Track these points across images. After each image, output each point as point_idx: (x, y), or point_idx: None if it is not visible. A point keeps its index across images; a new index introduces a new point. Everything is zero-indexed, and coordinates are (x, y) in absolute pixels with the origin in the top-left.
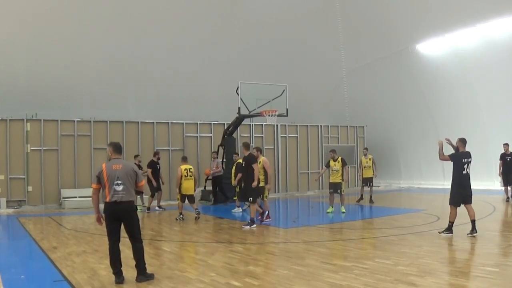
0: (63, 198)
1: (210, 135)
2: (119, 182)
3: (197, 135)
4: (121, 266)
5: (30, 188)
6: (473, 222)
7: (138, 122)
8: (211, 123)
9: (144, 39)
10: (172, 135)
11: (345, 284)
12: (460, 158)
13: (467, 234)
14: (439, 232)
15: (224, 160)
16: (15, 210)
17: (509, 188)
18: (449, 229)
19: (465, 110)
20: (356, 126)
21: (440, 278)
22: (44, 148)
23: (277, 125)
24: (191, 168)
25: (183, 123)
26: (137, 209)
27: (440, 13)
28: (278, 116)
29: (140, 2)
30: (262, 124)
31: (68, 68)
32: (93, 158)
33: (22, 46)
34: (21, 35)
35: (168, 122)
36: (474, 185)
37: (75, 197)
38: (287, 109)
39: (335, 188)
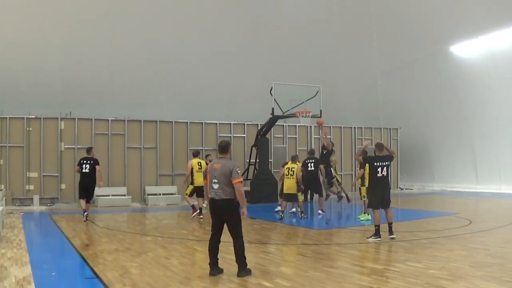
0: (96, 196)
1: (244, 135)
2: (215, 180)
3: (230, 135)
4: (216, 258)
5: (63, 186)
6: (390, 225)
7: (172, 121)
8: (244, 124)
9: (180, 41)
10: (206, 135)
11: (376, 287)
12: (372, 162)
13: (369, 237)
14: (367, 238)
15: (257, 160)
16: (48, 207)
17: None
18: (377, 234)
19: (499, 113)
20: (390, 128)
21: (471, 283)
22: (78, 147)
23: (310, 126)
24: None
25: (216, 123)
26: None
27: (474, 15)
28: (311, 117)
29: (176, 5)
30: (296, 125)
31: (102, 68)
32: (127, 157)
33: (57, 46)
34: (56, 35)
35: (202, 122)
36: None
37: (108, 195)
38: (320, 110)
39: None
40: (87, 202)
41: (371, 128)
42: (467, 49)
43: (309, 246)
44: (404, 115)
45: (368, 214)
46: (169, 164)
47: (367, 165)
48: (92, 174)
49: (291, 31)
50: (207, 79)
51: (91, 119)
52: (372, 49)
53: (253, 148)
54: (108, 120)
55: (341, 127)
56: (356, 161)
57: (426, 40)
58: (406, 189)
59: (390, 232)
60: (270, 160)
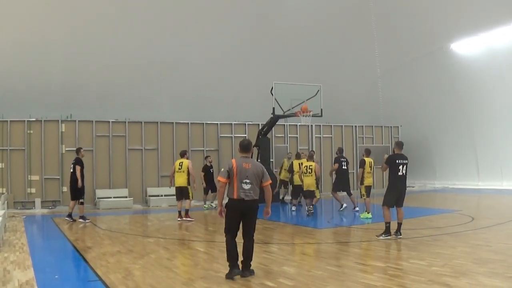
0: (98, 198)
1: (245, 135)
2: (248, 181)
3: (231, 135)
4: (238, 259)
5: (64, 189)
6: (399, 225)
7: (173, 122)
8: (245, 124)
9: (180, 41)
10: (207, 135)
11: (379, 284)
12: (394, 160)
13: (379, 235)
14: (377, 236)
15: (259, 160)
16: (50, 210)
17: None
18: (387, 232)
19: (499, 110)
20: (391, 126)
21: (474, 279)
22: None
23: (311, 126)
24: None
25: (217, 123)
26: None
27: (474, 12)
28: (312, 116)
29: (175, 4)
30: (297, 125)
31: (103, 69)
32: (128, 158)
33: (57, 47)
34: (56, 36)
35: (203, 123)
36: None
37: (110, 198)
38: (321, 109)
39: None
40: (79, 203)
41: (372, 126)
42: (468, 47)
43: (311, 245)
44: (405, 113)
45: (369, 213)
46: (170, 165)
47: (366, 163)
48: (73, 174)
49: (291, 31)
50: (207, 80)
51: (92, 121)
52: (373, 48)
53: (255, 148)
54: (109, 122)
55: (342, 126)
56: (358, 160)
57: (427, 38)
58: (408, 186)
59: (398, 231)
60: (271, 159)
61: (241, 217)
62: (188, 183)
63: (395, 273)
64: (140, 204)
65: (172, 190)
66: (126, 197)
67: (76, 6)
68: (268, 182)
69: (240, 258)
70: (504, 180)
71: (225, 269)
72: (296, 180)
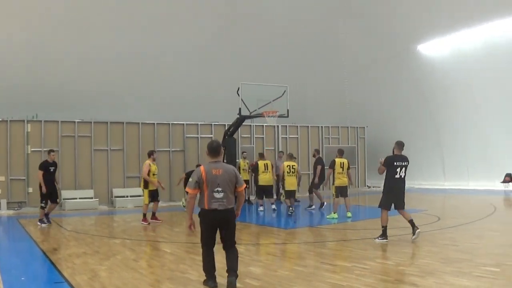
0: (63, 199)
1: (211, 136)
2: (219, 189)
3: (197, 136)
4: (215, 271)
5: (30, 190)
6: (411, 222)
7: (138, 123)
8: (211, 124)
9: (147, 41)
10: (173, 136)
11: (346, 284)
12: (392, 161)
13: (412, 238)
14: (374, 239)
15: (225, 161)
16: (16, 211)
17: None
18: (384, 235)
19: (466, 111)
20: (357, 127)
21: (441, 278)
22: (45, 149)
23: (277, 126)
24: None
25: (183, 124)
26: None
27: (441, 14)
28: (279, 117)
29: (142, 3)
30: (263, 125)
31: (68, 69)
32: (94, 159)
33: (22, 47)
34: (21, 35)
35: (169, 123)
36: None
37: (76, 198)
38: (287, 110)
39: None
40: (40, 207)
41: (338, 127)
42: (434, 48)
43: (277, 245)
44: (372, 114)
45: (335, 213)
46: (136, 166)
47: (336, 163)
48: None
49: (258, 32)
50: (173, 80)
51: (58, 121)
52: (340, 49)
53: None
54: (74, 122)
55: (308, 126)
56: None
57: (394, 39)
58: (373, 187)
59: (414, 227)
60: (237, 160)
61: (216, 228)
62: (144, 186)
63: (362, 273)
64: (106, 205)
65: (138, 191)
66: (91, 198)
67: (40, 5)
68: (242, 187)
69: (216, 269)
70: (471, 180)
71: (192, 270)
72: (261, 180)
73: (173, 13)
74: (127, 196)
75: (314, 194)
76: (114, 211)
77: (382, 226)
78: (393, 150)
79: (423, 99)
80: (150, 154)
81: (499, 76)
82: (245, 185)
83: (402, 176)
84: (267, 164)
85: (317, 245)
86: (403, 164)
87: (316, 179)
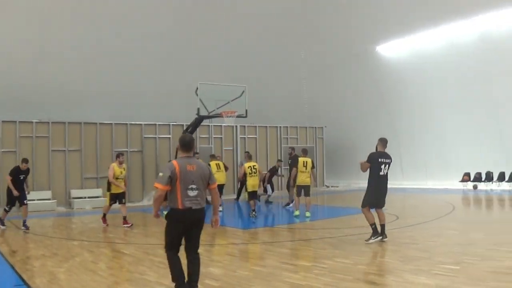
0: None
1: (169, 136)
2: (194, 186)
3: (155, 136)
4: (184, 278)
5: None
6: (383, 226)
7: (96, 123)
8: (170, 124)
9: (105, 40)
10: (131, 136)
11: (305, 284)
12: (376, 158)
13: (366, 240)
14: (366, 240)
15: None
16: None
17: None
18: (375, 233)
19: (423, 111)
20: (315, 127)
21: (400, 277)
22: (3, 150)
23: (236, 126)
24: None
25: (141, 124)
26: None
27: (400, 15)
28: (237, 117)
29: (100, 2)
30: (221, 125)
31: (25, 68)
32: (51, 160)
33: None
34: None
35: (127, 124)
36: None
37: (33, 200)
38: (246, 110)
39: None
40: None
41: (297, 127)
42: (393, 49)
43: (237, 246)
44: (330, 114)
45: (297, 210)
46: (94, 167)
47: (300, 162)
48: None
49: (216, 32)
50: (131, 79)
51: (15, 122)
52: (298, 49)
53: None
54: (32, 122)
55: (266, 126)
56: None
57: (353, 40)
58: (332, 186)
59: (383, 233)
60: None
61: (186, 230)
62: (107, 188)
63: (321, 272)
64: (64, 207)
65: (97, 192)
66: (49, 199)
67: None
68: (215, 184)
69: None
70: (429, 179)
71: (150, 271)
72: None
73: (131, 12)
74: (85, 198)
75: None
76: (72, 212)
77: (371, 225)
78: (376, 147)
79: (382, 100)
80: (117, 156)
81: (457, 76)
82: (217, 183)
83: (386, 174)
84: (219, 164)
85: (276, 245)
86: (387, 161)
87: (292, 181)
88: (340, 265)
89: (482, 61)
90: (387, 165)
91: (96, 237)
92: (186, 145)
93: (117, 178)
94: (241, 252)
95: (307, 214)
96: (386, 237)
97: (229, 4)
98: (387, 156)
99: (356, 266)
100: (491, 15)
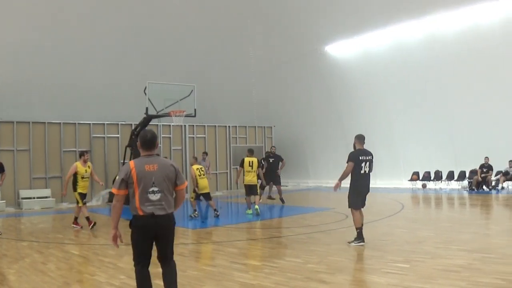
0: None
1: (118, 135)
2: (156, 189)
3: (104, 135)
4: None
5: None
6: (361, 227)
7: (45, 122)
8: (118, 124)
9: (52, 38)
10: (79, 136)
11: (256, 283)
12: (356, 156)
13: (351, 242)
14: (348, 242)
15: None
16: None
17: None
18: (359, 237)
19: (372, 111)
20: (264, 127)
21: (351, 275)
22: None
23: (185, 126)
24: (202, 168)
25: (90, 123)
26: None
27: (350, 15)
28: (186, 116)
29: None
30: (170, 125)
31: None
32: None
33: None
34: None
35: (75, 123)
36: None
37: None
38: (195, 110)
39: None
40: None
41: (246, 127)
42: (342, 49)
43: (186, 246)
44: (279, 113)
45: (250, 209)
46: (43, 167)
47: (245, 162)
48: None
49: (165, 30)
50: (79, 78)
51: None
52: (247, 49)
53: (127, 148)
54: None
55: (215, 126)
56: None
57: (302, 40)
58: (282, 186)
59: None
60: None
61: (152, 239)
62: (73, 188)
63: (271, 271)
64: (13, 207)
65: (46, 192)
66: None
67: None
68: (184, 184)
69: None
70: (378, 179)
71: (100, 271)
72: None
73: (78, 11)
74: (34, 198)
75: (268, 186)
76: (21, 213)
77: (357, 228)
78: (354, 145)
79: (331, 99)
80: (81, 154)
81: (404, 76)
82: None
83: (367, 171)
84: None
85: (225, 245)
86: (367, 158)
87: (264, 182)
88: (291, 264)
89: (430, 61)
90: (367, 163)
91: (45, 238)
92: (147, 142)
93: (82, 178)
94: (190, 252)
95: (256, 207)
96: (363, 242)
97: (178, 2)
98: (368, 153)
99: (306, 265)
100: (438, 16)
